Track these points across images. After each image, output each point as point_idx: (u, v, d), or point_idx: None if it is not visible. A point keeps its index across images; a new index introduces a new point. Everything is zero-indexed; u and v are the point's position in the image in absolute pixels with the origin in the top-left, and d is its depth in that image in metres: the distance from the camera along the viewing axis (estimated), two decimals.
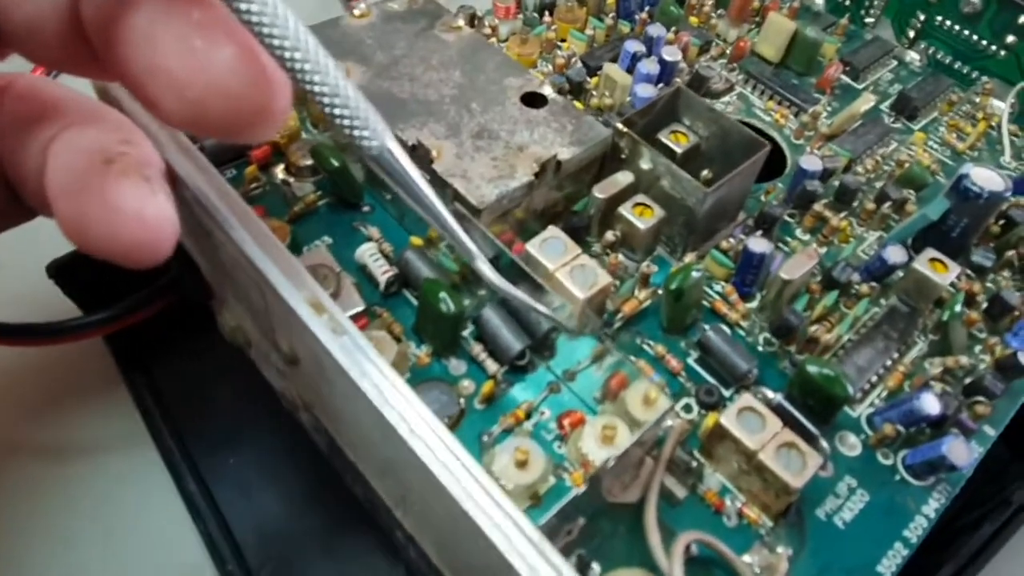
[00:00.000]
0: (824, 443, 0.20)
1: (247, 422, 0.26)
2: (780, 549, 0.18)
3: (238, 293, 0.20)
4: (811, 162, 0.25)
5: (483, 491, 0.14)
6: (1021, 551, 0.23)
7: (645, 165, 0.23)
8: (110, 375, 0.27)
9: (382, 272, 0.22)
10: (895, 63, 0.32)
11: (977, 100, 0.30)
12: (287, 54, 0.13)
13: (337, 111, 0.14)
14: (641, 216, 0.22)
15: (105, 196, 0.13)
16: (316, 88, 0.13)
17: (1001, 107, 0.29)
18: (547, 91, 0.23)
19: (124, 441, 0.26)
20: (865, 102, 0.28)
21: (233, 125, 0.13)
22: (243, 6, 0.12)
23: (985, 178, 0.23)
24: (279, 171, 0.24)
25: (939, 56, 0.32)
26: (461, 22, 0.25)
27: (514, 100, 0.23)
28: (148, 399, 0.26)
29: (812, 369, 0.20)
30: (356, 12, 0.25)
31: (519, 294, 0.17)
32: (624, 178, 0.23)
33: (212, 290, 0.23)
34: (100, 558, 0.23)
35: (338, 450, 0.21)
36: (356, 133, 0.14)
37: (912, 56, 0.32)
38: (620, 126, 0.23)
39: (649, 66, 0.27)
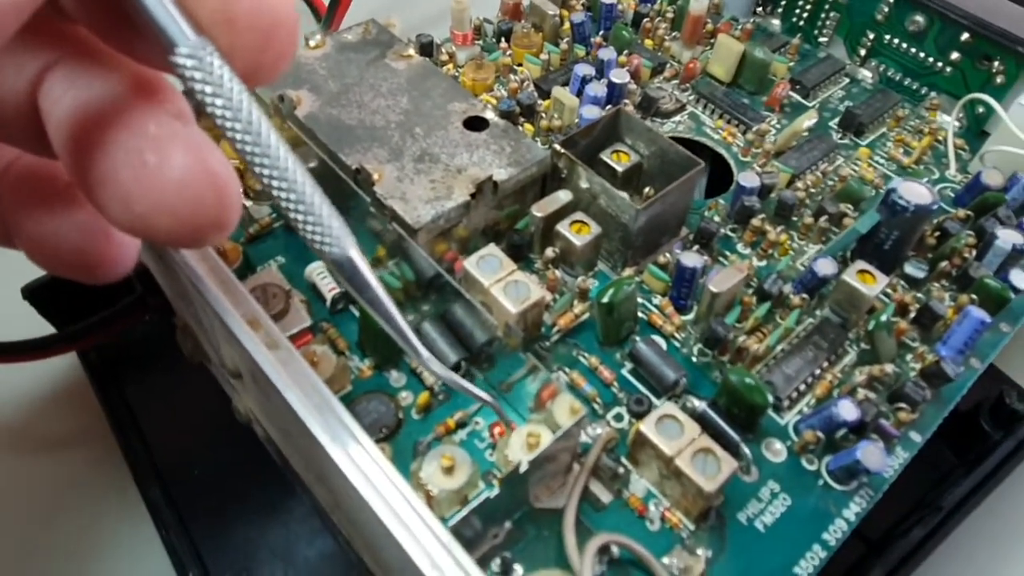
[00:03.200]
0: (746, 449, 0.20)
1: (211, 436, 0.27)
2: (700, 551, 0.19)
3: (191, 312, 0.22)
4: (749, 179, 0.26)
5: (398, 493, 0.15)
6: (951, 555, 0.24)
7: (583, 184, 0.24)
8: (85, 394, 0.28)
9: (329, 289, 0.23)
10: (847, 80, 0.33)
11: (925, 115, 0.31)
12: (253, 158, 0.12)
13: (301, 217, 0.13)
14: (578, 233, 0.23)
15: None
16: (279, 193, 0.13)
17: (948, 121, 0.30)
18: (489, 115, 0.25)
19: (97, 460, 0.27)
20: (807, 119, 0.28)
21: (179, 239, 0.12)
22: (210, 106, 0.12)
23: (913, 192, 0.24)
24: None
25: (890, 73, 0.33)
26: (411, 51, 0.27)
27: (457, 124, 0.24)
28: (122, 415, 0.28)
29: (734, 378, 0.20)
30: (311, 43, 0.26)
31: (466, 385, 0.17)
32: (563, 197, 0.24)
33: (172, 309, 0.24)
34: (71, 569, 0.25)
35: (287, 463, 0.22)
36: (319, 239, 0.13)
37: (864, 74, 0.33)
38: (557, 147, 0.24)
39: (596, 88, 0.28)
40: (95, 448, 0.27)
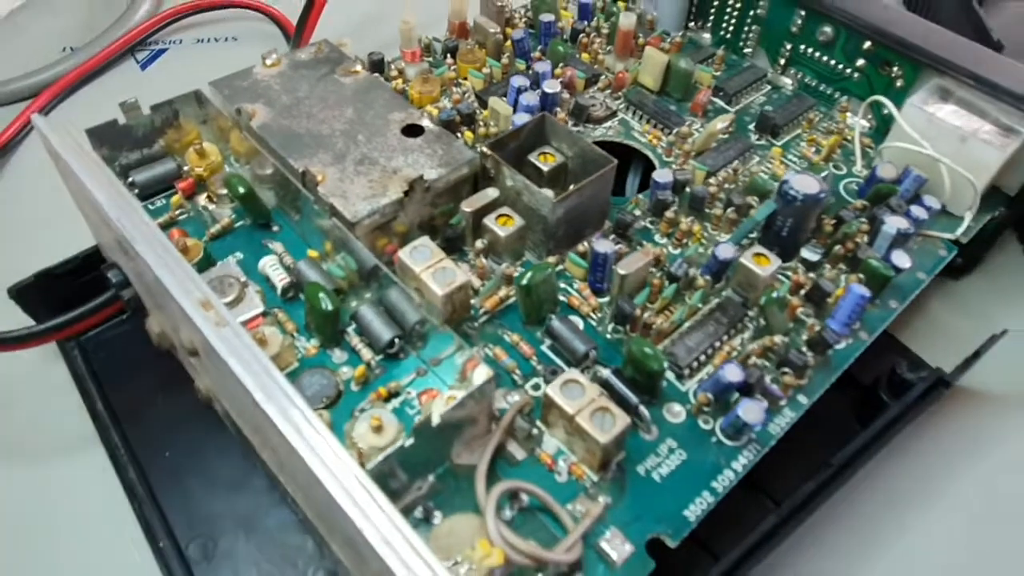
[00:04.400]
0: (644, 410, 0.23)
1: (180, 418, 0.30)
2: (601, 499, 0.22)
3: (155, 300, 0.24)
4: (663, 175, 0.29)
5: (325, 444, 0.18)
6: (841, 508, 0.27)
7: (508, 182, 0.26)
8: (66, 386, 0.31)
9: (279, 279, 0.26)
10: (769, 87, 0.36)
11: (837, 118, 0.34)
12: None
13: None
14: (503, 225, 0.26)
15: None
16: None
17: (855, 122, 0.33)
18: (425, 123, 0.27)
19: (74, 438, 0.30)
20: (721, 120, 0.31)
21: None
22: None
23: (803, 183, 0.26)
24: (202, 199, 0.28)
25: (807, 80, 0.36)
26: (359, 67, 0.29)
27: (395, 132, 0.27)
28: (98, 403, 0.30)
29: (634, 348, 0.23)
30: (268, 62, 0.29)
31: None
32: (490, 193, 0.27)
33: (142, 304, 0.27)
34: (46, 536, 0.27)
35: (242, 434, 0.25)
36: None
37: (785, 81, 0.36)
38: (485, 149, 0.27)
39: (529, 98, 0.31)
40: (77, 438, 0.30)
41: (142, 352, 0.31)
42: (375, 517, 0.17)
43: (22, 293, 0.30)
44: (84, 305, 0.28)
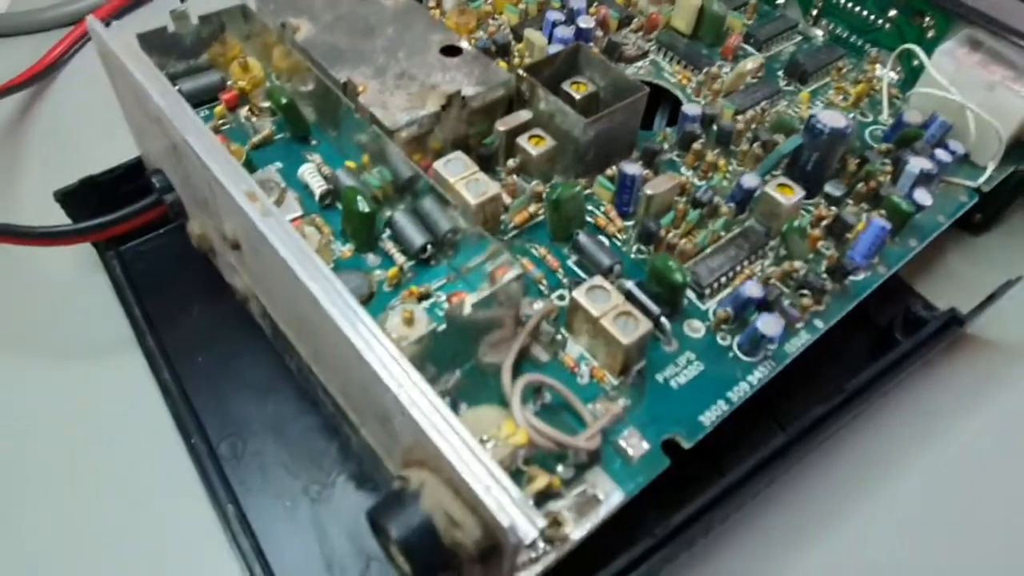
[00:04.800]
0: (665, 321, 0.24)
1: (215, 326, 0.31)
2: (620, 401, 0.23)
3: (198, 197, 0.25)
4: (692, 109, 0.29)
5: (363, 324, 0.19)
6: (854, 434, 0.27)
7: (541, 105, 0.27)
8: (106, 294, 0.32)
9: (318, 186, 0.26)
10: (799, 38, 0.36)
11: (866, 68, 0.35)
12: None
13: None
14: (535, 145, 0.27)
15: None
16: None
17: (884, 72, 0.33)
18: (464, 44, 0.28)
19: (113, 343, 0.31)
20: (751, 62, 0.32)
21: None
22: None
23: (830, 118, 0.27)
24: (244, 112, 0.29)
25: (838, 31, 0.36)
26: None
27: (434, 51, 0.28)
28: (136, 309, 0.31)
29: (658, 262, 0.24)
30: None
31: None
32: (524, 115, 0.27)
33: (184, 208, 0.28)
34: (85, 430, 0.28)
35: (277, 331, 0.26)
36: None
37: (816, 32, 0.36)
38: (521, 72, 0.27)
39: (564, 31, 0.31)
40: (115, 342, 0.31)
41: (178, 265, 0.32)
42: (410, 389, 0.18)
43: (67, 197, 0.31)
44: (125, 208, 0.29)
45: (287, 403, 0.29)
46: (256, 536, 0.26)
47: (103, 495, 0.27)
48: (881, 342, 0.30)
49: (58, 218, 0.31)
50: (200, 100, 0.29)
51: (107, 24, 0.26)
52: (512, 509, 0.16)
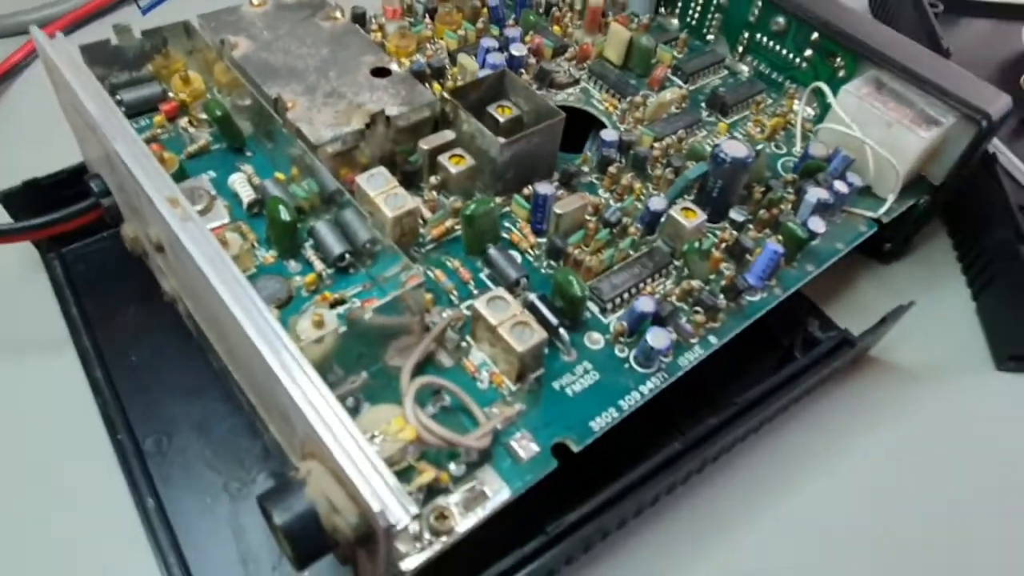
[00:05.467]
0: (564, 332, 0.25)
1: (148, 327, 0.32)
2: (516, 405, 0.24)
3: (130, 202, 0.27)
4: (609, 135, 0.31)
5: (267, 325, 0.20)
6: (746, 448, 0.29)
7: (464, 126, 0.29)
8: (46, 294, 0.33)
9: (246, 195, 0.28)
10: (726, 72, 0.38)
11: (784, 103, 0.37)
12: None
13: None
14: (456, 164, 0.29)
15: None
16: None
17: (799, 107, 0.35)
18: (393, 66, 0.30)
19: (50, 341, 0.32)
20: (670, 92, 0.34)
21: None
22: None
23: (733, 148, 0.29)
24: (183, 122, 0.31)
25: (761, 68, 0.38)
26: (338, 14, 0.32)
27: (365, 72, 0.29)
28: (73, 308, 0.32)
29: (559, 276, 0.25)
30: (255, 1, 0.31)
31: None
32: (447, 135, 0.29)
33: (120, 213, 0.29)
34: (13, 427, 0.29)
35: (201, 331, 0.27)
36: None
37: (741, 67, 0.39)
38: (445, 95, 0.29)
39: (496, 58, 0.33)
40: (51, 340, 0.32)
41: (117, 268, 0.33)
42: (303, 385, 0.19)
43: (10, 198, 0.32)
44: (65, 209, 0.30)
45: (214, 403, 0.30)
46: (174, 531, 0.27)
47: (26, 486, 0.28)
48: (783, 361, 0.32)
49: (2, 218, 0.32)
50: (141, 110, 0.30)
51: (60, 35, 0.27)
52: (386, 495, 0.18)
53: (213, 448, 0.29)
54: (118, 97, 0.30)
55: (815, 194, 0.30)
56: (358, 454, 0.18)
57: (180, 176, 0.28)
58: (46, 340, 0.32)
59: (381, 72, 0.29)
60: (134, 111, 0.30)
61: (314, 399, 0.19)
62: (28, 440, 0.29)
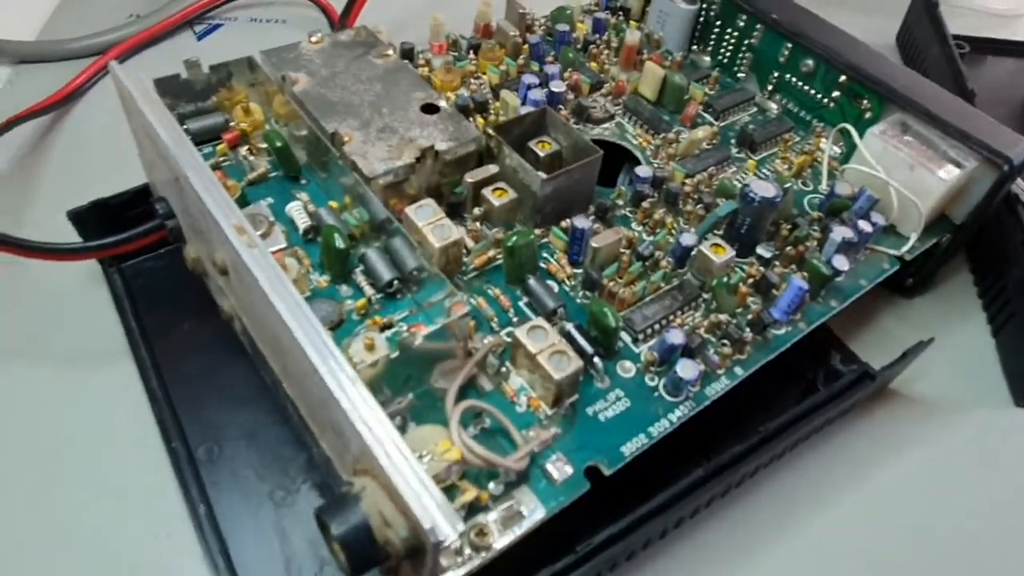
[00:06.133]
0: (598, 361, 0.27)
1: (203, 341, 0.34)
2: (552, 429, 0.25)
3: (195, 226, 0.29)
4: (644, 171, 0.33)
5: (326, 348, 0.22)
6: (769, 474, 0.30)
7: (507, 160, 0.31)
8: (106, 306, 0.35)
9: (302, 222, 0.30)
10: (755, 109, 0.40)
11: (811, 141, 0.38)
12: None
13: None
14: (499, 197, 0.30)
15: None
16: None
17: (825, 146, 0.37)
18: (441, 103, 0.32)
19: (109, 351, 0.34)
20: (702, 131, 0.35)
21: None
22: None
23: (761, 187, 0.30)
24: (243, 151, 0.33)
25: (790, 106, 0.40)
26: (390, 51, 0.34)
27: (415, 108, 0.31)
28: (132, 321, 0.34)
29: (594, 307, 0.27)
30: (313, 39, 0.34)
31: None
32: (491, 168, 0.31)
33: (183, 234, 0.31)
34: (74, 435, 0.31)
35: (256, 348, 0.29)
36: None
37: (771, 105, 0.40)
38: (490, 131, 0.31)
39: (537, 94, 0.35)
40: (111, 350, 0.34)
41: (175, 283, 0.36)
42: (359, 405, 0.21)
43: (79, 217, 0.34)
44: (130, 230, 0.32)
45: (262, 414, 0.32)
46: (223, 534, 0.29)
47: (85, 493, 0.30)
48: (806, 392, 0.33)
49: (70, 235, 0.34)
50: (205, 138, 0.32)
51: (122, 60, 0.29)
52: (435, 512, 0.19)
53: (260, 457, 0.31)
54: (185, 126, 0.32)
55: (840, 233, 0.31)
56: (409, 472, 0.20)
57: (241, 202, 0.30)
58: (106, 351, 0.34)
59: (431, 108, 0.31)
60: (199, 139, 0.32)
61: (369, 419, 0.21)
62: (87, 446, 0.31)
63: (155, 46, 0.49)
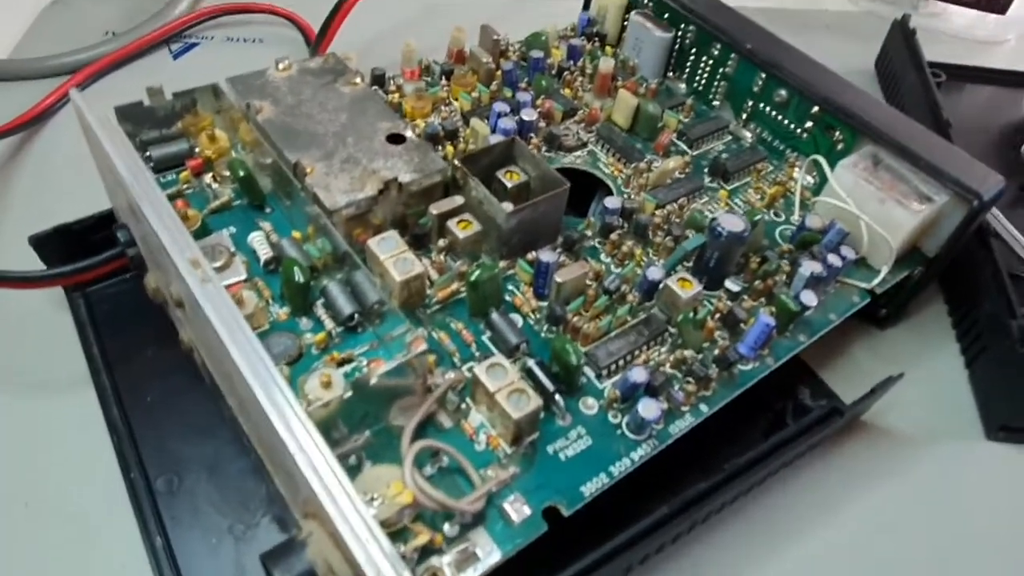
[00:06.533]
0: (559, 399, 0.26)
1: (166, 370, 0.33)
2: (511, 468, 0.25)
3: (153, 256, 0.28)
4: (612, 202, 0.32)
5: (276, 387, 0.22)
6: (733, 510, 0.30)
7: (472, 192, 0.30)
8: (69, 332, 0.34)
9: (263, 252, 0.29)
10: (729, 137, 0.40)
11: (785, 171, 0.38)
12: None
13: None
14: (463, 229, 0.30)
15: None
16: None
17: (798, 176, 0.37)
18: (408, 133, 0.31)
19: (69, 378, 0.33)
20: (673, 161, 0.35)
21: None
22: None
23: (730, 222, 0.30)
24: (208, 178, 0.32)
25: (764, 135, 0.39)
26: (359, 79, 0.33)
27: (381, 138, 0.31)
28: (94, 348, 0.34)
29: (556, 342, 0.27)
30: (280, 66, 0.33)
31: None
32: (456, 200, 0.30)
33: (144, 262, 0.31)
34: (29, 462, 0.31)
35: (213, 380, 0.28)
36: None
37: (745, 134, 0.40)
38: (456, 162, 0.30)
39: (507, 122, 0.35)
40: (71, 378, 0.33)
41: (139, 310, 0.35)
42: (307, 447, 0.21)
43: (41, 242, 0.33)
44: (92, 257, 0.32)
45: (224, 445, 0.32)
46: (179, 568, 0.28)
47: (38, 519, 0.29)
48: (774, 426, 0.33)
49: (31, 261, 0.33)
50: (168, 165, 0.32)
51: (82, 88, 0.29)
52: (381, 562, 0.19)
53: (220, 490, 0.31)
54: (148, 154, 0.32)
55: (808, 267, 0.31)
56: (356, 519, 0.20)
57: (203, 232, 0.30)
58: (67, 378, 0.33)
59: (396, 139, 0.31)
60: (162, 166, 0.32)
61: (317, 463, 0.20)
62: (44, 474, 0.30)
63: (130, 64, 0.49)
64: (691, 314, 0.29)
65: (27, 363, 0.34)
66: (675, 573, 0.29)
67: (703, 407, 0.28)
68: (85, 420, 0.32)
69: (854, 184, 0.33)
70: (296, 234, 0.30)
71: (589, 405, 0.27)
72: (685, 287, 0.29)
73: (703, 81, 0.41)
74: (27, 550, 0.28)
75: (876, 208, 0.33)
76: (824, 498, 0.32)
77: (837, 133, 0.36)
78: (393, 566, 0.19)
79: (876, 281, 0.33)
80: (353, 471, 0.24)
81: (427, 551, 0.23)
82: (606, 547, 0.26)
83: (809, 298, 0.30)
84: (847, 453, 0.34)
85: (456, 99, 0.38)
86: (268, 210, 0.32)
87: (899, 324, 0.39)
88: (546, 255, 0.29)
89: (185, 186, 0.32)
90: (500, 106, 0.36)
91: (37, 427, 0.32)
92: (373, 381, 0.23)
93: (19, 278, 0.30)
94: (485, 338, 0.29)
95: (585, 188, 0.37)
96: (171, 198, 0.30)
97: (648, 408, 0.26)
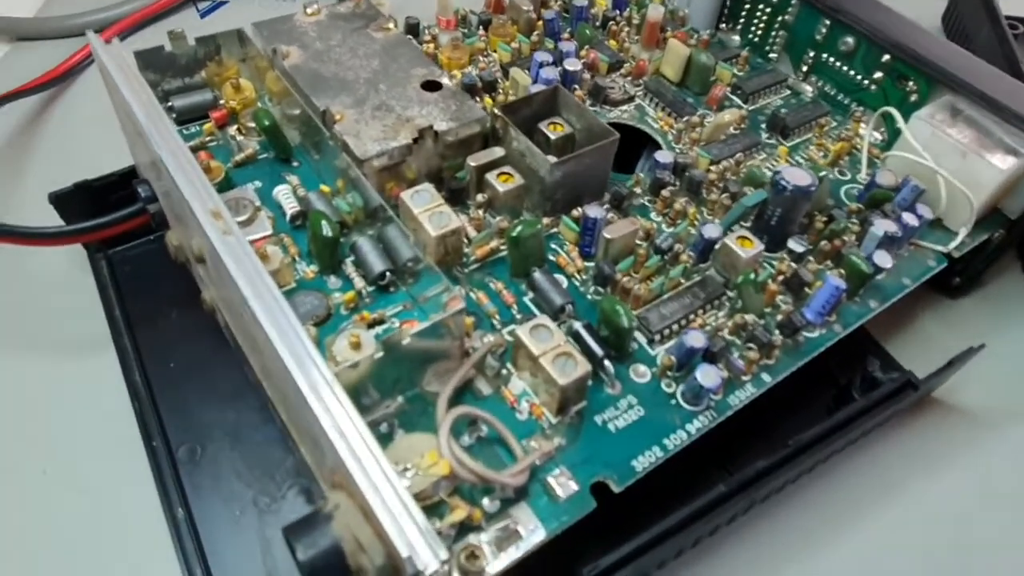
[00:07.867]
0: (608, 364, 0.24)
1: (189, 333, 0.32)
2: (556, 439, 0.23)
3: (176, 210, 0.26)
4: (664, 156, 0.30)
5: (302, 346, 0.20)
6: (794, 489, 0.27)
7: (513, 143, 0.28)
8: (91, 293, 0.33)
9: (290, 207, 0.27)
10: (788, 92, 0.37)
11: (850, 126, 0.35)
12: None
13: None
14: (504, 182, 0.28)
15: None
16: None
17: (865, 132, 0.34)
18: (444, 80, 0.29)
19: (91, 340, 0.32)
20: (729, 114, 0.32)
21: None
22: None
23: (794, 175, 0.27)
24: (232, 130, 0.30)
25: (826, 88, 0.36)
26: (391, 24, 0.31)
27: (415, 85, 0.29)
28: (116, 310, 0.32)
29: (605, 304, 0.24)
30: (308, 11, 0.31)
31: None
32: (496, 152, 0.28)
33: (166, 219, 0.29)
34: (49, 421, 0.29)
35: (237, 344, 0.27)
36: None
37: (805, 88, 0.37)
38: (496, 111, 0.28)
39: (549, 72, 0.32)
40: (93, 340, 0.32)
41: (162, 272, 0.33)
42: (335, 412, 0.19)
43: (61, 200, 0.32)
44: (112, 214, 0.30)
45: (249, 413, 0.30)
46: (201, 541, 0.26)
47: (57, 488, 0.28)
48: (840, 400, 0.30)
49: (51, 219, 0.32)
50: (191, 117, 0.30)
51: (123, 38, 0.27)
52: (415, 538, 0.17)
53: (245, 459, 0.29)
54: (169, 103, 0.30)
55: (882, 226, 0.28)
56: (388, 491, 0.18)
57: (226, 185, 0.28)
58: (88, 339, 0.32)
59: (432, 86, 0.29)
60: (185, 118, 0.30)
61: (346, 428, 0.19)
62: (62, 439, 0.29)
63: (158, 22, 0.47)
64: (751, 275, 0.26)
65: (48, 326, 0.32)
66: (730, 559, 0.27)
67: (765, 376, 0.25)
68: (106, 384, 0.30)
69: (931, 137, 0.30)
70: (325, 188, 0.28)
71: (640, 373, 0.25)
72: (745, 246, 0.27)
73: (759, 32, 0.38)
74: (44, 520, 0.27)
75: (956, 163, 0.30)
76: (891, 480, 0.30)
77: (910, 83, 0.33)
78: (428, 543, 0.17)
79: (954, 244, 0.30)
80: (385, 439, 0.23)
81: (465, 528, 0.21)
82: (656, 528, 0.24)
83: (883, 259, 0.27)
84: (916, 431, 0.31)
85: (495, 50, 0.36)
86: (296, 164, 0.30)
87: (972, 294, 0.36)
88: (594, 210, 0.27)
89: (209, 138, 0.30)
90: (542, 55, 0.33)
91: (57, 392, 0.30)
92: (406, 341, 0.21)
93: (33, 234, 0.29)
94: (527, 299, 0.26)
95: (632, 145, 0.34)
96: (194, 151, 0.28)
97: (707, 375, 0.23)
